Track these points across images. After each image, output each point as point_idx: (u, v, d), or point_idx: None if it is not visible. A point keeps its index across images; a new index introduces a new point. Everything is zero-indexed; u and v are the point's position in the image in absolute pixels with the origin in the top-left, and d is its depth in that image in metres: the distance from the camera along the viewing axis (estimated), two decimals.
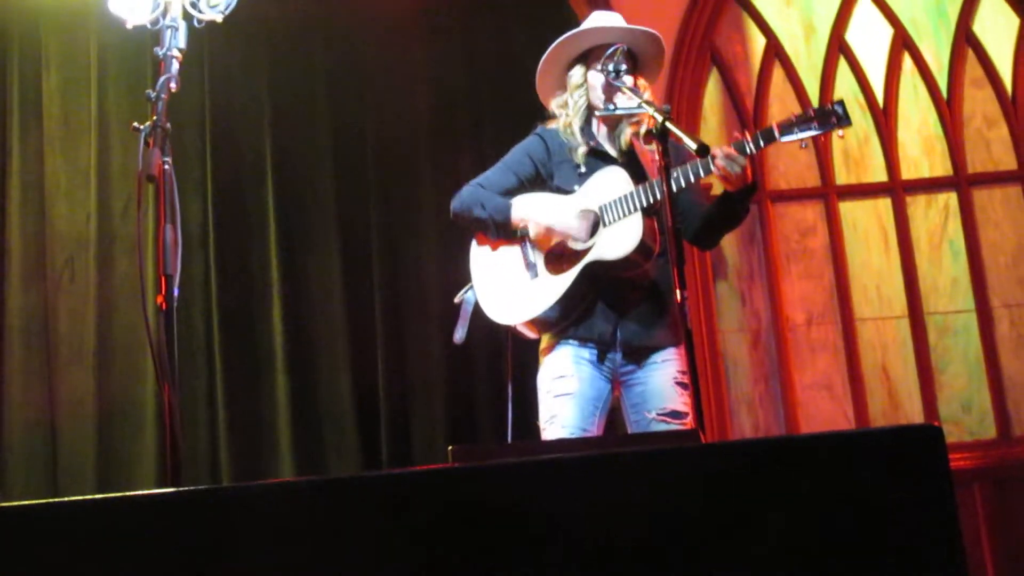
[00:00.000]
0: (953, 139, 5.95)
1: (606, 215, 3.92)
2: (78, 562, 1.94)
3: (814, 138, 3.78)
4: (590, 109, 4.13)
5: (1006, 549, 5.42)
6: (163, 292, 3.06)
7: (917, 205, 5.95)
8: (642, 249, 3.88)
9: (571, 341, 4.02)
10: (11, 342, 5.52)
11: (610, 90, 3.96)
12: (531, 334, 4.14)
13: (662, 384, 3.97)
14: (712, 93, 6.04)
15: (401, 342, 5.63)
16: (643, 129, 4.03)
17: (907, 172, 5.95)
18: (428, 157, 5.80)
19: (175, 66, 3.29)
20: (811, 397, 5.77)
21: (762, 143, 3.77)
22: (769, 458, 2.04)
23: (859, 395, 5.73)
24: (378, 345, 5.57)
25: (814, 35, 6.09)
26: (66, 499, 2.04)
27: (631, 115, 4.03)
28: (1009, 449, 5.65)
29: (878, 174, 5.96)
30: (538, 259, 4.07)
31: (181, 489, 2.29)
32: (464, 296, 4.20)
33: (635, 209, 3.86)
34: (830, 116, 3.73)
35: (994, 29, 6.05)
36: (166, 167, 3.11)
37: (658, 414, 3.92)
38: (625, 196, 3.88)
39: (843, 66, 6.05)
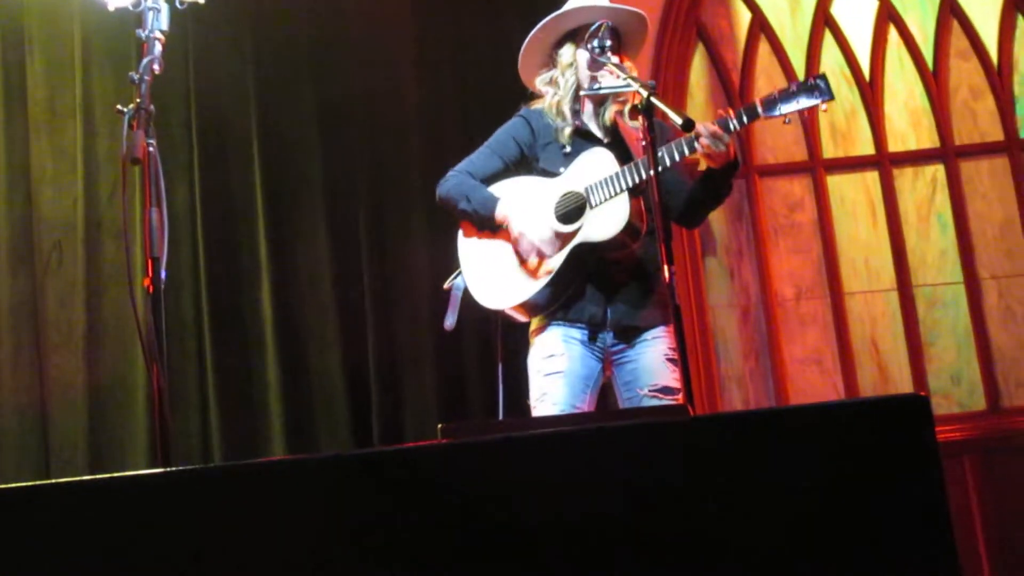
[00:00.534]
0: (939, 111, 5.95)
1: (592, 196, 3.92)
2: (70, 543, 1.94)
3: (798, 113, 3.78)
4: (578, 88, 4.13)
5: (996, 520, 5.44)
6: (150, 275, 3.06)
7: (904, 178, 5.96)
8: (629, 229, 3.89)
9: (562, 322, 4.03)
10: (0, 326, 5.51)
11: (595, 66, 3.96)
12: (521, 317, 4.15)
13: (653, 361, 3.98)
14: (698, 68, 6.03)
15: (391, 322, 5.63)
16: (628, 107, 4.05)
17: (894, 145, 5.96)
18: (417, 136, 5.77)
19: (158, 48, 3.27)
20: (801, 371, 5.79)
21: (745, 119, 3.78)
22: (757, 430, 2.05)
23: (849, 369, 5.75)
24: (368, 325, 5.56)
25: (799, 9, 6.08)
26: (58, 480, 2.04)
27: (616, 93, 4.03)
28: (998, 421, 5.68)
29: (865, 147, 5.97)
30: None
31: (172, 469, 2.29)
32: (453, 282, 4.21)
33: (621, 190, 3.87)
34: (813, 90, 3.75)
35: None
36: (151, 149, 3.10)
37: (650, 390, 3.93)
38: (611, 177, 3.89)
39: (829, 39, 6.05)
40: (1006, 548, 5.41)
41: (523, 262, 4.05)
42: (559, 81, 4.14)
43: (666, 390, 3.94)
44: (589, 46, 3.88)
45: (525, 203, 4.06)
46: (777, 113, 3.76)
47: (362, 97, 5.78)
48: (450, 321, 4.19)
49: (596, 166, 3.96)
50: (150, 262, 3.05)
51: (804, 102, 3.75)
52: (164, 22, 3.27)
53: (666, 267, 3.40)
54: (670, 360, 3.97)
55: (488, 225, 4.12)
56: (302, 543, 1.94)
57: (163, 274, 3.09)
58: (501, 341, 4.26)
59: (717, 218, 5.80)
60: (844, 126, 5.99)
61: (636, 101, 3.76)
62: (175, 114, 5.62)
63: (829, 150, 5.97)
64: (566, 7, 4.15)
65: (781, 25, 6.07)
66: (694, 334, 5.62)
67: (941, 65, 5.99)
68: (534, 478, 2.00)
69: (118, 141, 5.53)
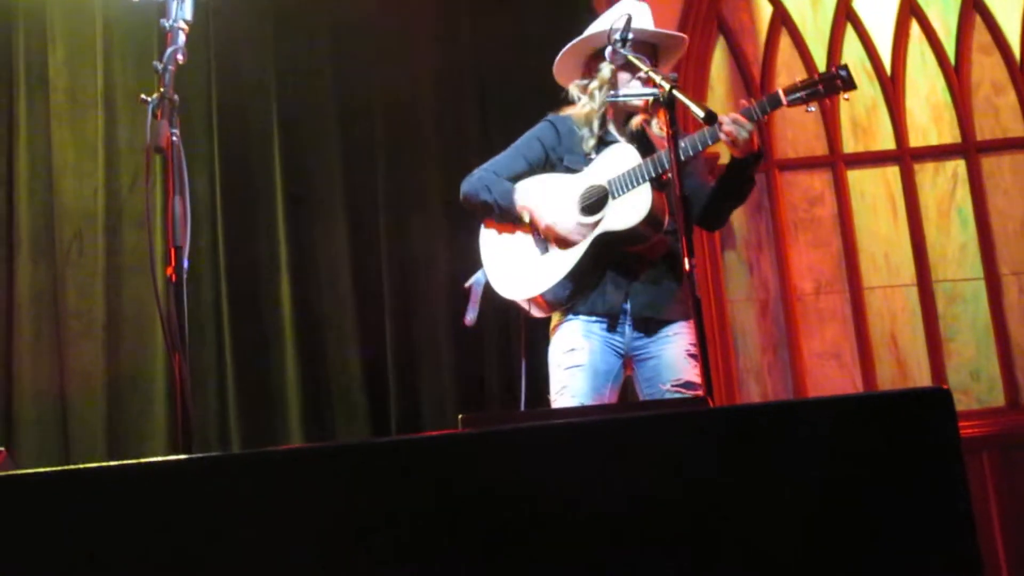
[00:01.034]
0: (961, 106, 5.93)
1: (615, 188, 3.93)
2: (92, 529, 1.95)
3: (820, 104, 3.79)
4: (607, 104, 4.13)
5: (1015, 516, 5.43)
6: (173, 264, 3.07)
7: (925, 173, 5.94)
8: (651, 220, 3.89)
9: (581, 315, 4.03)
10: (21, 316, 5.53)
11: (616, 59, 3.95)
12: (540, 312, 4.15)
13: (674, 356, 3.98)
14: (719, 62, 6.02)
15: (409, 313, 5.64)
16: (651, 100, 4.04)
17: (915, 140, 5.94)
18: (436, 130, 5.78)
19: (181, 38, 3.28)
20: (819, 366, 5.78)
21: (768, 108, 3.78)
22: (778, 422, 2.04)
23: (868, 363, 5.74)
24: (386, 315, 5.58)
25: (821, 2, 6.06)
26: (79, 466, 2.05)
27: (641, 102, 4.04)
28: (1018, 417, 5.66)
29: (886, 142, 5.95)
30: None
31: (192, 456, 2.30)
32: (474, 279, 4.22)
33: (644, 180, 3.87)
34: (835, 80, 3.76)
35: None
36: (174, 139, 3.11)
37: (672, 385, 3.93)
38: (633, 169, 3.89)
39: (850, 33, 6.03)
40: None
41: (545, 252, 4.05)
42: (595, 94, 4.13)
43: (688, 385, 3.94)
44: (611, 39, 3.86)
45: (547, 194, 4.06)
46: (800, 102, 3.76)
47: (382, 90, 5.79)
48: (471, 317, 4.20)
49: (619, 160, 3.97)
50: (173, 251, 3.05)
51: (827, 91, 3.76)
52: (188, 12, 3.27)
53: (687, 259, 3.40)
54: (691, 355, 3.97)
55: (508, 216, 4.13)
56: (321, 531, 1.95)
57: (185, 263, 3.10)
58: (524, 335, 4.27)
59: (737, 212, 5.73)
60: (865, 121, 5.97)
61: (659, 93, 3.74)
62: (196, 104, 5.63)
63: (850, 145, 5.96)
64: (613, 18, 4.11)
65: (802, 19, 6.05)
66: (713, 327, 5.62)
67: (963, 60, 5.97)
68: (554, 469, 2.00)
69: (139, 131, 5.55)
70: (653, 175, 3.85)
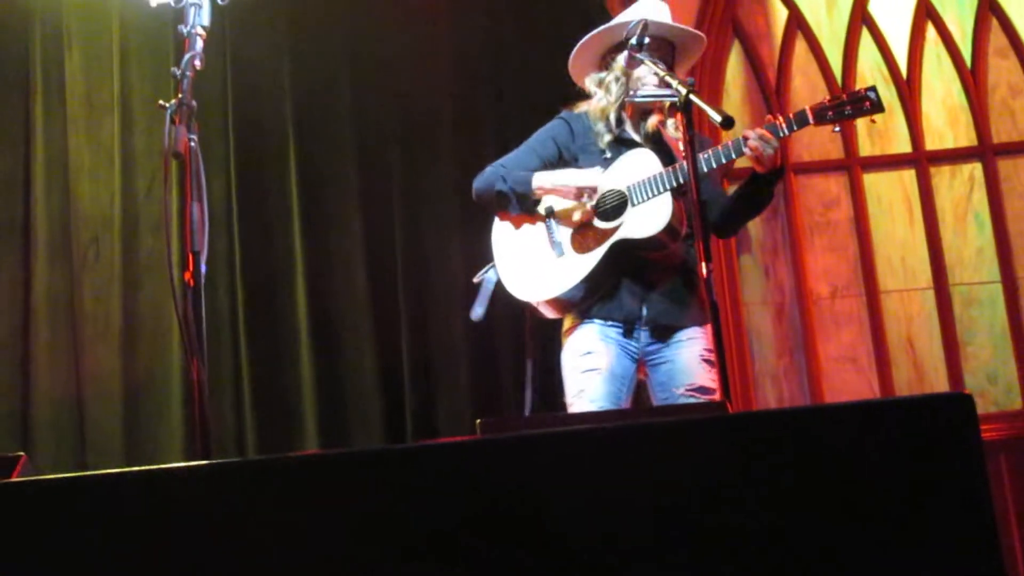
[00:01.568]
0: (977, 109, 5.91)
1: (635, 195, 3.92)
2: (109, 535, 1.95)
3: (845, 123, 3.79)
4: (622, 99, 4.13)
5: None
6: (191, 269, 3.08)
7: (942, 176, 5.92)
8: (670, 230, 3.89)
9: (596, 320, 4.02)
10: (37, 321, 5.55)
11: (632, 63, 3.95)
12: (551, 314, 4.14)
13: (689, 361, 3.98)
14: (734, 66, 6.01)
15: (425, 317, 5.65)
16: (667, 104, 4.04)
17: (931, 143, 5.92)
18: (450, 133, 5.79)
19: (199, 44, 3.29)
20: (836, 370, 5.77)
21: (795, 126, 3.78)
22: (800, 427, 2.04)
23: (884, 367, 5.72)
24: (402, 320, 5.58)
25: (836, 6, 6.05)
26: (96, 472, 2.05)
27: (658, 103, 4.04)
28: None
29: (902, 145, 5.94)
30: (564, 238, 4.07)
31: (212, 462, 2.30)
32: (484, 276, 4.21)
33: (664, 189, 3.86)
34: (863, 101, 3.76)
35: None
36: (192, 144, 3.12)
37: (686, 389, 3.93)
38: (655, 177, 3.88)
39: (866, 37, 6.01)
40: None
41: (560, 255, 4.04)
42: (611, 87, 4.12)
43: (702, 389, 3.93)
44: (628, 43, 3.87)
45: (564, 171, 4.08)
46: (827, 122, 3.76)
47: (397, 91, 5.80)
48: (478, 312, 4.19)
49: (639, 166, 3.96)
50: (191, 256, 3.06)
51: (854, 113, 3.75)
52: (206, 18, 3.28)
53: (703, 264, 3.39)
54: (706, 360, 3.97)
55: (525, 204, 4.12)
56: (337, 538, 1.95)
57: (203, 268, 3.10)
58: (531, 339, 4.26)
59: None
60: (881, 124, 5.94)
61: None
62: (212, 110, 5.64)
63: (866, 148, 5.94)
64: (630, 15, 4.12)
65: (818, 23, 6.03)
66: (729, 331, 5.61)
67: (979, 63, 5.95)
68: (573, 475, 2.00)
69: (155, 136, 5.57)
70: (674, 185, 3.85)
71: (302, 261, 5.62)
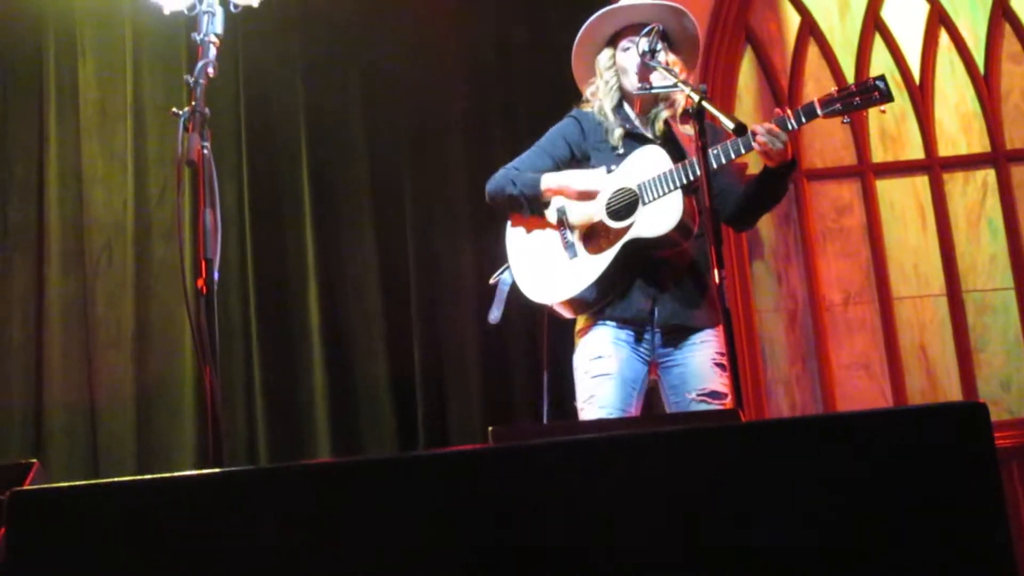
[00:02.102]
0: (991, 115, 5.90)
1: (645, 194, 3.91)
2: (121, 543, 1.95)
3: (854, 114, 3.75)
4: (622, 92, 4.13)
5: None
6: (203, 276, 3.08)
7: (955, 182, 5.91)
8: (682, 228, 3.87)
9: (608, 322, 4.01)
10: (51, 327, 5.57)
11: (645, 71, 3.95)
12: (567, 314, 4.13)
13: (701, 365, 3.96)
14: (747, 72, 6.01)
15: (436, 323, 5.65)
16: (679, 110, 4.03)
17: (944, 149, 5.91)
18: (461, 140, 5.79)
19: (212, 51, 3.30)
20: (848, 376, 5.75)
21: (804, 119, 3.74)
22: (815, 437, 2.03)
23: (897, 374, 5.71)
24: (413, 326, 5.59)
25: (849, 12, 6.04)
26: (108, 480, 2.05)
27: (666, 97, 4.03)
28: None
29: (915, 151, 5.92)
30: (576, 239, 4.07)
31: (224, 470, 2.31)
32: (499, 277, 4.21)
33: (675, 187, 3.84)
34: (872, 91, 3.71)
35: None
36: (205, 152, 3.13)
37: (698, 394, 3.91)
38: (665, 174, 3.87)
39: (879, 43, 6.00)
40: None
41: (573, 256, 4.04)
42: (600, 85, 4.15)
43: (714, 394, 3.92)
44: (640, 51, 3.87)
45: (573, 173, 4.09)
46: (836, 113, 3.72)
47: (409, 100, 5.81)
48: (495, 315, 4.18)
49: (649, 163, 3.94)
50: (203, 263, 3.07)
51: (863, 103, 3.71)
52: (219, 26, 3.29)
53: (716, 271, 3.38)
54: (718, 364, 3.95)
55: (535, 206, 4.11)
56: (348, 546, 1.95)
57: (216, 275, 3.11)
58: (547, 343, 4.25)
59: (765, 222, 5.77)
60: (894, 130, 5.94)
61: (687, 105, 3.74)
62: (225, 117, 5.65)
63: (878, 154, 5.93)
64: (607, 8, 4.14)
65: (830, 28, 6.03)
66: (741, 338, 5.60)
67: (992, 68, 5.94)
68: (585, 483, 1.99)
69: (168, 143, 5.59)
70: (684, 182, 3.84)
71: (314, 268, 5.63)
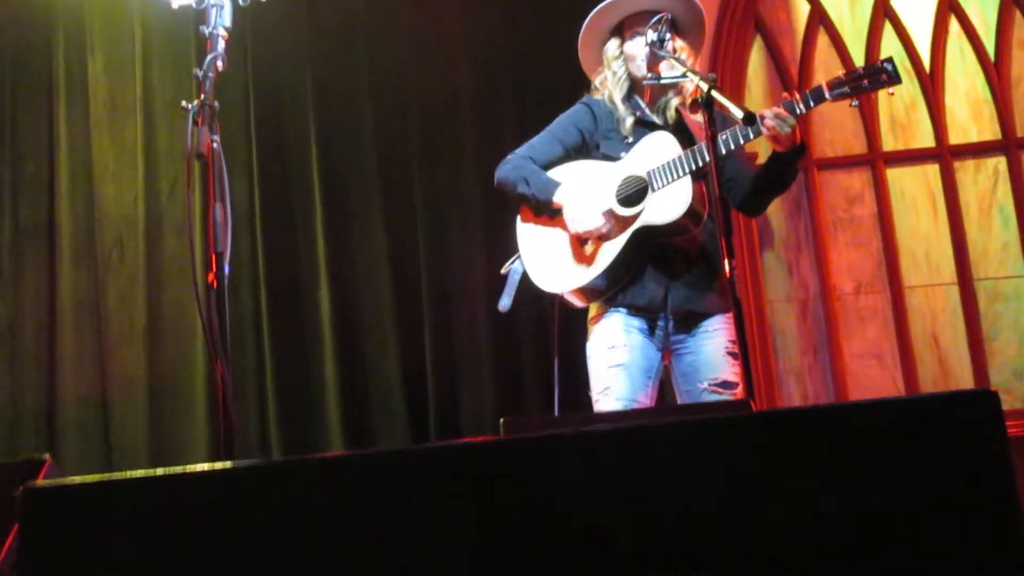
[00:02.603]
0: (1001, 102, 5.88)
1: (655, 180, 3.90)
2: (134, 537, 1.95)
3: (862, 99, 3.73)
4: (632, 80, 4.12)
5: None
6: (214, 270, 3.08)
7: (966, 170, 5.89)
8: (691, 214, 3.86)
9: (621, 309, 4.01)
10: (63, 322, 5.59)
11: (654, 60, 3.94)
12: (579, 303, 4.13)
13: (713, 354, 3.96)
14: (756, 61, 6.00)
15: (447, 316, 5.65)
16: (689, 98, 4.03)
17: (955, 137, 5.89)
18: (472, 131, 5.79)
19: (221, 45, 3.29)
20: (860, 366, 5.74)
21: (812, 102, 3.72)
22: (825, 426, 2.03)
23: (909, 363, 5.70)
24: (424, 319, 5.59)
25: (859, 0, 6.02)
26: (121, 475, 2.06)
27: (676, 85, 4.02)
28: None
29: (926, 139, 5.91)
30: None
31: (237, 463, 2.31)
32: (511, 266, 4.20)
33: (684, 173, 3.84)
34: (880, 73, 3.67)
35: None
36: (215, 145, 3.12)
37: (710, 384, 3.91)
38: (674, 160, 3.86)
39: (888, 31, 5.98)
40: None
41: (584, 244, 4.04)
42: (608, 75, 4.14)
43: (725, 384, 3.92)
44: (648, 40, 3.86)
45: (585, 188, 4.05)
46: (844, 96, 3.70)
47: (418, 92, 5.81)
48: (505, 303, 4.18)
49: (659, 150, 3.94)
50: (214, 257, 3.06)
51: (871, 85, 3.69)
52: (227, 19, 3.29)
53: (726, 261, 3.37)
54: (730, 354, 3.95)
55: (546, 210, 4.11)
56: (362, 539, 1.95)
57: (227, 269, 3.11)
58: (558, 334, 4.24)
59: (775, 212, 5.76)
60: (904, 118, 5.93)
61: (696, 95, 3.73)
62: (235, 111, 5.66)
63: (889, 143, 5.91)
64: (600, 6, 4.13)
65: (840, 17, 6.01)
66: (752, 328, 5.59)
67: (1003, 56, 5.91)
68: (597, 474, 1.99)
69: (177, 137, 5.60)
70: (694, 168, 3.83)
71: (325, 261, 5.63)
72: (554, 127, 4.25)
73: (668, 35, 3.82)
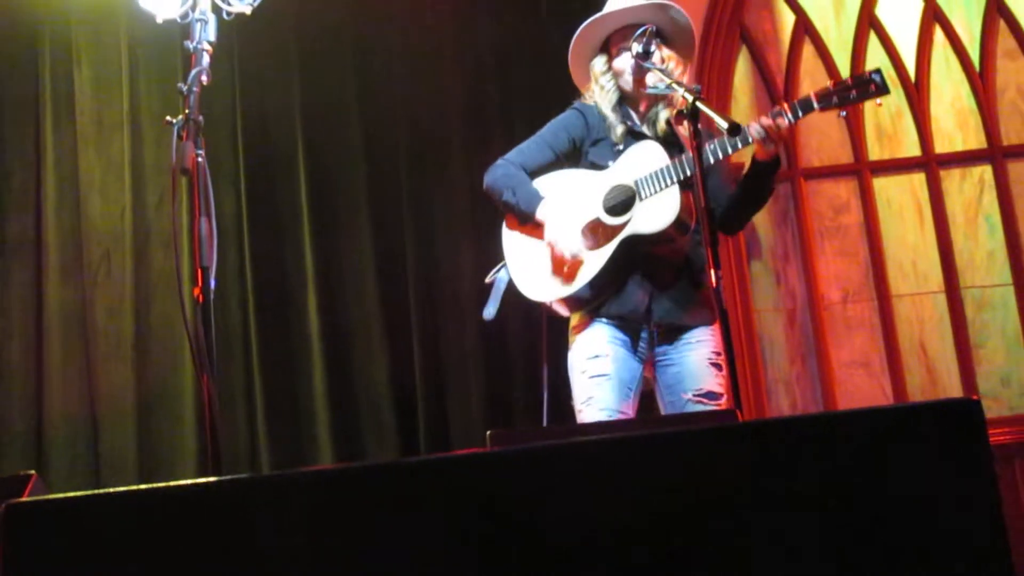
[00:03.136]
0: (987, 111, 5.90)
1: (642, 189, 3.90)
2: (122, 553, 1.95)
3: (850, 109, 3.74)
4: (622, 94, 4.13)
5: None
6: (200, 285, 3.08)
7: (952, 179, 5.91)
8: (679, 223, 3.87)
9: (604, 320, 4.01)
10: (50, 337, 5.56)
11: (640, 73, 3.95)
12: (564, 312, 4.13)
13: (697, 365, 3.95)
14: (742, 72, 6.01)
15: (435, 326, 5.65)
16: (674, 112, 4.03)
17: (941, 146, 5.91)
18: (459, 140, 5.80)
19: (206, 59, 3.30)
20: (849, 375, 5.75)
21: (800, 113, 3.72)
22: (808, 435, 2.03)
23: (897, 372, 5.71)
24: (413, 330, 5.59)
25: (844, 10, 6.05)
26: (109, 490, 2.05)
27: (666, 97, 4.02)
28: None
29: (911, 149, 5.93)
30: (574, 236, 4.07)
31: (225, 478, 2.30)
32: (496, 275, 4.20)
33: (672, 182, 3.84)
34: (868, 84, 3.68)
35: None
36: (200, 160, 3.13)
37: (694, 395, 3.91)
38: (661, 170, 3.86)
39: (874, 41, 6.00)
40: None
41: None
42: (596, 91, 4.15)
43: (710, 395, 3.91)
44: (634, 53, 3.87)
45: (569, 203, 4.05)
46: (832, 107, 3.70)
47: (406, 101, 5.81)
48: (490, 311, 4.17)
49: (646, 159, 3.94)
50: (200, 272, 3.07)
51: (859, 96, 3.70)
52: (212, 33, 3.30)
53: (712, 271, 3.38)
54: (714, 364, 3.94)
55: (529, 221, 4.11)
56: (351, 551, 1.95)
57: (212, 283, 3.11)
58: (546, 342, 4.24)
59: (763, 221, 5.77)
60: (890, 128, 5.94)
61: (682, 106, 3.74)
62: (222, 124, 5.66)
63: (875, 152, 5.93)
64: (598, 14, 4.14)
65: (825, 27, 6.03)
66: (740, 338, 5.60)
67: (988, 65, 5.94)
68: (584, 487, 1.99)
69: (164, 151, 5.59)
70: (681, 178, 3.83)
71: (313, 273, 5.63)
72: (545, 132, 4.24)
73: (654, 47, 3.83)
